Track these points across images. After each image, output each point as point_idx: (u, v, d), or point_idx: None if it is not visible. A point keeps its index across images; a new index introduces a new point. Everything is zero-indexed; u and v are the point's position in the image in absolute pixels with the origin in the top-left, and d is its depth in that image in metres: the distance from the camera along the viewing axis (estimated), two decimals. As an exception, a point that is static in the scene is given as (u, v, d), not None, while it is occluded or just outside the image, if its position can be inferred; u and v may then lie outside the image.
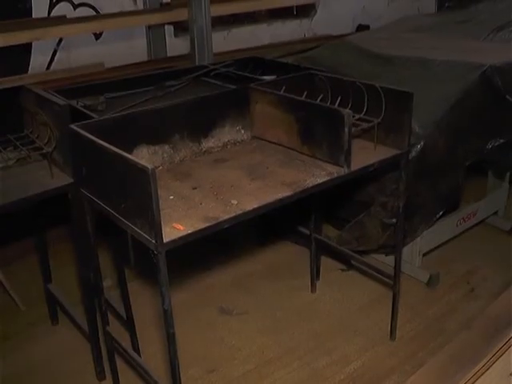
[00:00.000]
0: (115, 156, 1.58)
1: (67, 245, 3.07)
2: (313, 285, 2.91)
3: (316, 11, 4.86)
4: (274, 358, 2.48)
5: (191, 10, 3.17)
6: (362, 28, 5.01)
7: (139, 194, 1.51)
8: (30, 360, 2.53)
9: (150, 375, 1.95)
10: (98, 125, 1.88)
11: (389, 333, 2.57)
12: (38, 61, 3.35)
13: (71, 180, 1.94)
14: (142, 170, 1.46)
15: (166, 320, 1.64)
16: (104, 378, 2.36)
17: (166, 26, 3.68)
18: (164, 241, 1.52)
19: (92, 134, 1.74)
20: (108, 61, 3.38)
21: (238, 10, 3.77)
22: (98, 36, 3.57)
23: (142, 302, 2.72)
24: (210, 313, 2.76)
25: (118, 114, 2.01)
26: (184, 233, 1.58)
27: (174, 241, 1.55)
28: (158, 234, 1.50)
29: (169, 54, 3.72)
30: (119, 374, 2.30)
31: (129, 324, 2.36)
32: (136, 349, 2.41)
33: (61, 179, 1.97)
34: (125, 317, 2.34)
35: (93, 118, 1.99)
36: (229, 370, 2.42)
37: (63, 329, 2.71)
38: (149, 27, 3.60)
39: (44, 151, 2.01)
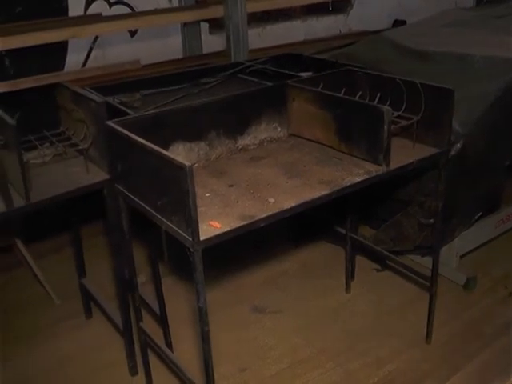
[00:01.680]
0: (152, 153, 1.57)
1: (101, 239, 3.11)
2: (347, 285, 2.87)
3: (352, 6, 4.80)
4: (306, 358, 2.46)
5: (227, 7, 3.15)
6: (398, 23, 4.92)
7: (176, 191, 1.50)
8: (63, 353, 2.56)
9: (182, 372, 1.95)
10: (135, 121, 1.88)
11: (424, 336, 2.51)
12: (73, 59, 3.37)
13: (107, 176, 1.94)
14: (179, 167, 1.44)
15: (201, 318, 1.62)
16: (136, 373, 2.37)
17: (202, 23, 3.67)
18: (200, 239, 1.51)
19: (128, 131, 1.74)
20: (143, 58, 3.38)
21: (274, 6, 3.74)
22: (133, 33, 3.58)
23: (175, 298, 2.71)
24: (243, 311, 2.75)
25: (155, 111, 2.00)
26: (220, 231, 1.56)
27: (210, 239, 1.53)
28: (195, 231, 1.49)
29: (204, 51, 3.71)
30: (151, 370, 2.30)
31: (162, 320, 2.36)
32: (168, 345, 2.42)
33: (96, 175, 1.98)
34: (158, 313, 2.34)
35: (129, 114, 2.00)
36: (261, 369, 2.40)
37: (96, 323, 2.73)
38: (184, 24, 3.60)
39: (80, 147, 2.02)
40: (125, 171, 1.83)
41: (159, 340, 2.19)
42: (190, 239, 1.51)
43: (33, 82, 2.26)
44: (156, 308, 2.35)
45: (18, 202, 1.81)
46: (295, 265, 3.11)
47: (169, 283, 2.83)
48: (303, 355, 2.47)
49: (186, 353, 2.42)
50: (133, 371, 2.37)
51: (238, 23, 3.14)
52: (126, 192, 1.84)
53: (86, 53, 3.45)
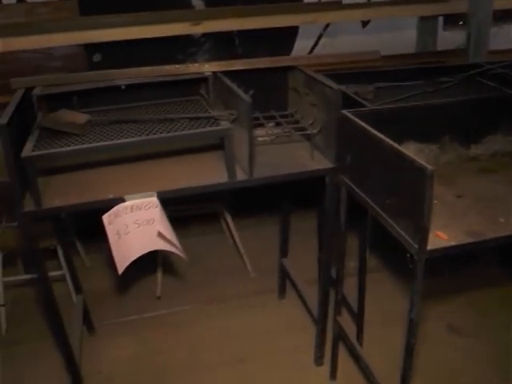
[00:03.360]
0: (390, 150, 1.52)
1: (304, 224, 3.12)
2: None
3: None
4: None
5: (472, 3, 2.95)
6: None
7: (410, 194, 1.44)
8: (251, 325, 2.65)
9: (373, 375, 1.90)
10: (369, 114, 1.83)
11: None
12: (301, 44, 3.42)
13: (331, 165, 1.93)
14: (420, 170, 1.38)
15: (410, 329, 1.56)
16: (321, 364, 2.37)
17: (439, 18, 3.49)
18: (427, 248, 1.43)
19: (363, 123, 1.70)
20: (370, 50, 3.31)
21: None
22: (365, 24, 3.53)
23: (373, 295, 2.60)
24: (437, 328, 2.58)
25: (392, 106, 1.94)
26: (447, 244, 1.47)
27: (436, 250, 1.45)
28: (423, 240, 1.41)
29: (437, 48, 3.54)
30: (338, 365, 2.28)
31: (358, 318, 2.30)
32: (359, 343, 2.36)
33: (320, 162, 1.97)
34: (355, 309, 2.29)
35: (362, 105, 1.96)
36: (448, 394, 2.26)
37: (288, 304, 2.77)
38: (421, 18, 3.45)
39: (308, 132, 2.02)
40: (353, 163, 1.79)
41: (352, 337, 2.16)
42: (416, 247, 1.44)
43: (269, 62, 2.30)
44: (354, 303, 2.30)
45: (241, 175, 1.87)
46: (501, 291, 2.85)
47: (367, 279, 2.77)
48: (494, 390, 2.27)
49: (374, 355, 2.34)
50: (318, 361, 2.37)
51: (481, 21, 2.92)
52: (350, 184, 1.81)
53: (314, 39, 3.47)
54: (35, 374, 2.45)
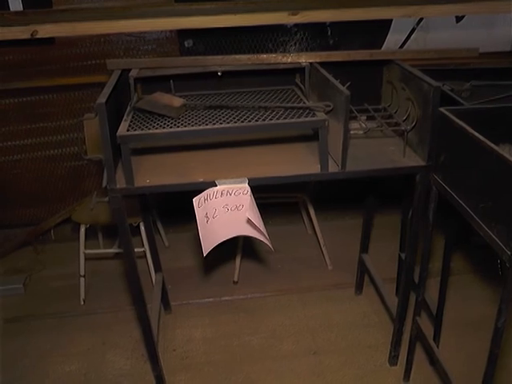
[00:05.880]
0: (490, 152, 1.46)
1: (385, 219, 3.09)
2: None
3: None
4: None
5: None
6: None
7: (506, 199, 1.38)
8: (325, 318, 2.65)
9: (450, 382, 1.85)
10: (468, 113, 1.77)
11: None
12: (393, 38, 3.35)
13: (422, 162, 1.88)
14: (520, 175, 1.32)
15: (494, 339, 1.50)
16: (395, 364, 2.33)
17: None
18: (520, 256, 1.38)
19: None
20: (463, 46, 3.21)
21: None
22: (459, 19, 3.42)
23: (451, 298, 2.51)
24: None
25: (495, 105, 1.87)
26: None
27: (530, 259, 1.39)
28: (517, 248, 1.36)
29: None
30: (412, 366, 2.24)
31: (436, 320, 2.25)
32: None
33: (411, 159, 1.92)
34: (434, 312, 2.23)
35: (460, 104, 1.90)
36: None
37: (365, 300, 2.76)
38: (521, 15, 3.31)
39: (402, 128, 1.98)
40: (447, 162, 1.75)
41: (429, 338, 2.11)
42: (509, 253, 1.38)
43: (367, 55, 2.27)
44: (432, 304, 2.25)
45: (332, 167, 1.86)
46: None
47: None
48: None
49: (450, 359, 2.27)
50: (393, 361, 2.33)
51: None
52: (442, 184, 1.77)
53: (406, 33, 3.40)
54: (112, 344, 2.56)
